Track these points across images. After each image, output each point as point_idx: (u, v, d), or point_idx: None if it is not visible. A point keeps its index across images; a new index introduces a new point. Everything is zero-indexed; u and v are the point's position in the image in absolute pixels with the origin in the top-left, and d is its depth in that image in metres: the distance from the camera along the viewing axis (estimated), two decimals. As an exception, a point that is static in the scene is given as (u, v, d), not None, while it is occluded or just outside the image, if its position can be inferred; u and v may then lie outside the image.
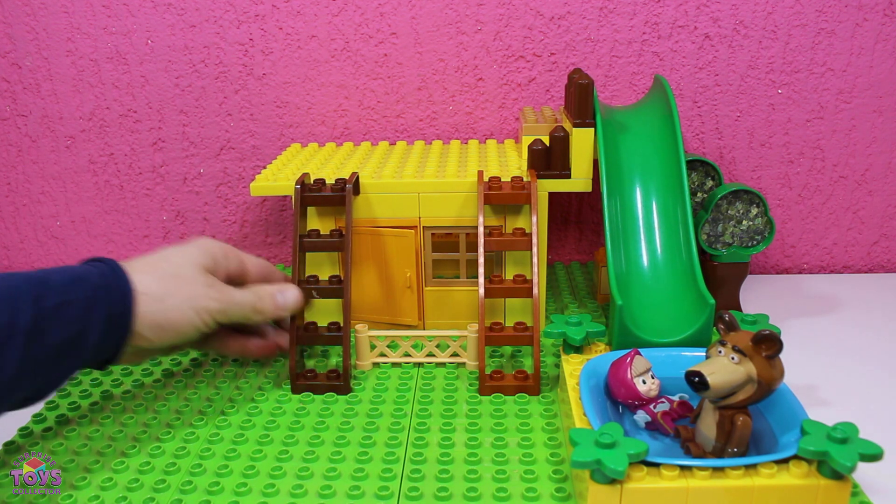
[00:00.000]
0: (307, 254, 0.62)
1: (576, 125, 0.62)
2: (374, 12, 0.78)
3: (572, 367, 0.54)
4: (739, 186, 0.66)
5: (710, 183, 0.70)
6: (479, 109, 0.81)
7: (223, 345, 0.58)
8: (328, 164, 0.70)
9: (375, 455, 0.50)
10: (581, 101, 0.61)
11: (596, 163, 0.63)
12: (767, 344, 0.43)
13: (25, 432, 0.54)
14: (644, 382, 0.50)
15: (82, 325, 0.45)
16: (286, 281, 0.60)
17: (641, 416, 0.50)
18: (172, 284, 0.50)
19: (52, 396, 0.58)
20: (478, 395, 0.57)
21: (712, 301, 0.55)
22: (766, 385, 0.43)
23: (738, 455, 0.44)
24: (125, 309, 0.47)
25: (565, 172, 0.63)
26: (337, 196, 0.61)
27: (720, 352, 0.44)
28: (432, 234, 0.65)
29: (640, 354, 0.51)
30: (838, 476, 0.40)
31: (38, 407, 0.57)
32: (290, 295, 0.57)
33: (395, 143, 0.80)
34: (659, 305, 0.59)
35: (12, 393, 0.42)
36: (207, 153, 0.83)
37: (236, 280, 0.56)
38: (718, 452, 0.44)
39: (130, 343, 0.48)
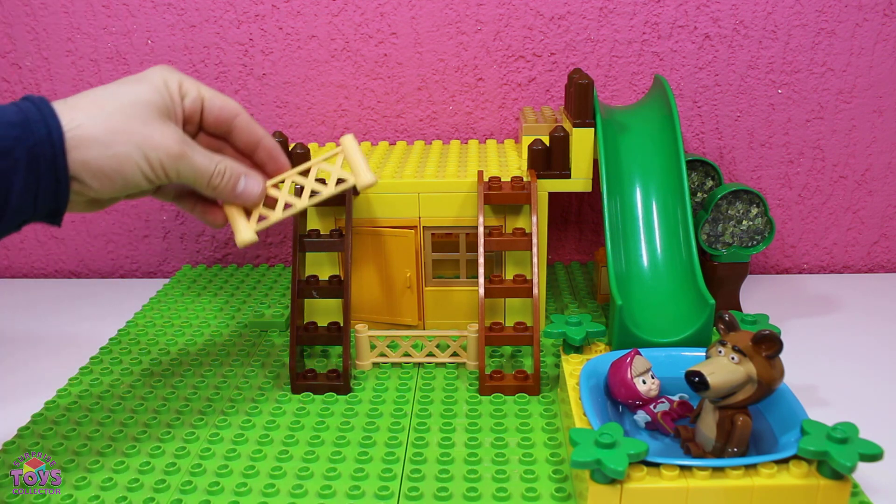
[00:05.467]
0: (307, 254, 0.62)
1: (576, 125, 0.62)
2: (374, 12, 0.78)
3: (572, 367, 0.54)
4: (739, 186, 0.66)
5: (710, 183, 0.70)
6: (479, 109, 0.81)
7: (185, 202, 0.50)
8: (328, 164, 0.70)
9: (375, 455, 0.50)
10: (581, 101, 0.61)
11: (596, 163, 0.63)
12: (767, 344, 0.43)
13: (25, 432, 0.54)
14: (644, 382, 0.50)
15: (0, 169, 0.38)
16: (250, 132, 0.49)
17: (641, 416, 0.50)
18: (121, 127, 0.42)
19: (53, 396, 0.58)
20: (478, 395, 0.57)
21: (712, 301, 0.55)
22: (766, 385, 0.43)
23: (738, 455, 0.44)
24: (54, 151, 0.40)
25: (565, 172, 0.63)
26: (337, 196, 0.61)
27: (720, 352, 0.44)
28: (432, 234, 0.65)
29: (640, 354, 0.51)
30: (838, 476, 0.40)
31: (38, 406, 0.57)
32: (252, 186, 0.48)
33: (395, 143, 0.80)
34: (659, 305, 0.59)
35: None
36: (207, 153, 0.83)
37: (189, 122, 0.47)
38: (718, 452, 0.44)
39: (75, 191, 0.42)
